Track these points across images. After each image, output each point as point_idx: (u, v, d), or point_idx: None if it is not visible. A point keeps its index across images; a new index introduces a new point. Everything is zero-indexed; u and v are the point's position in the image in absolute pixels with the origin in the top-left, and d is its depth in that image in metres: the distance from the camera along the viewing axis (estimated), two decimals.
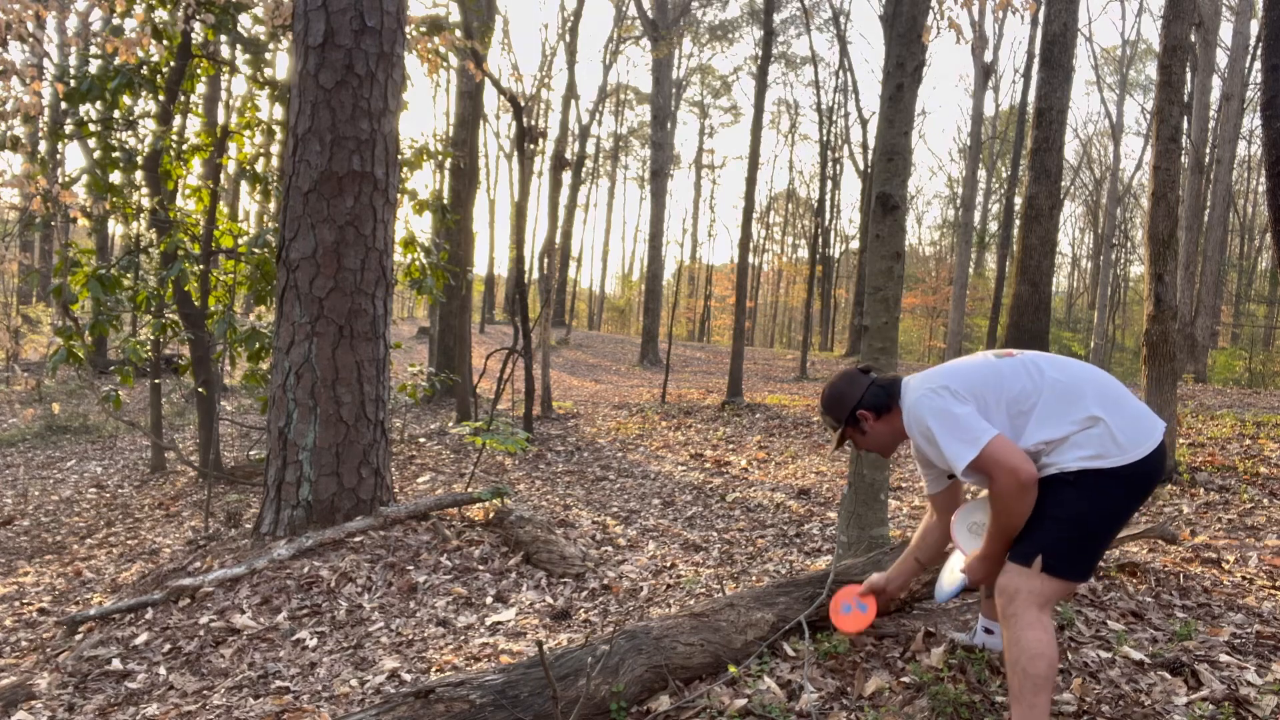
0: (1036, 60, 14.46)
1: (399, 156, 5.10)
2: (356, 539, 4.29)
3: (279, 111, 9.51)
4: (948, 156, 73.67)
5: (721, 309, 42.82)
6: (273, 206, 10.86)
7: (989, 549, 2.18)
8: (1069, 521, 2.02)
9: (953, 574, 2.52)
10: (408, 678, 3.00)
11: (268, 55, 7.43)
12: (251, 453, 8.28)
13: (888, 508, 3.72)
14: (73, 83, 6.25)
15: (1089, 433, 2.03)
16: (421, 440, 8.84)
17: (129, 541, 5.87)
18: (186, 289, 6.92)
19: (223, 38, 7.07)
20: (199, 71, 7.09)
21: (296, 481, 4.45)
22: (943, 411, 2.10)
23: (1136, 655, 2.61)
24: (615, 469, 7.30)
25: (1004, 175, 28.64)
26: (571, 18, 21.90)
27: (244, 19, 6.96)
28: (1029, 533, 2.07)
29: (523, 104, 13.14)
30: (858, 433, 2.39)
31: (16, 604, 4.65)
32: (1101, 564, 3.53)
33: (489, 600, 3.87)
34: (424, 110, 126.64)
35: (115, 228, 13.11)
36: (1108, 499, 2.03)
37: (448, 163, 11.36)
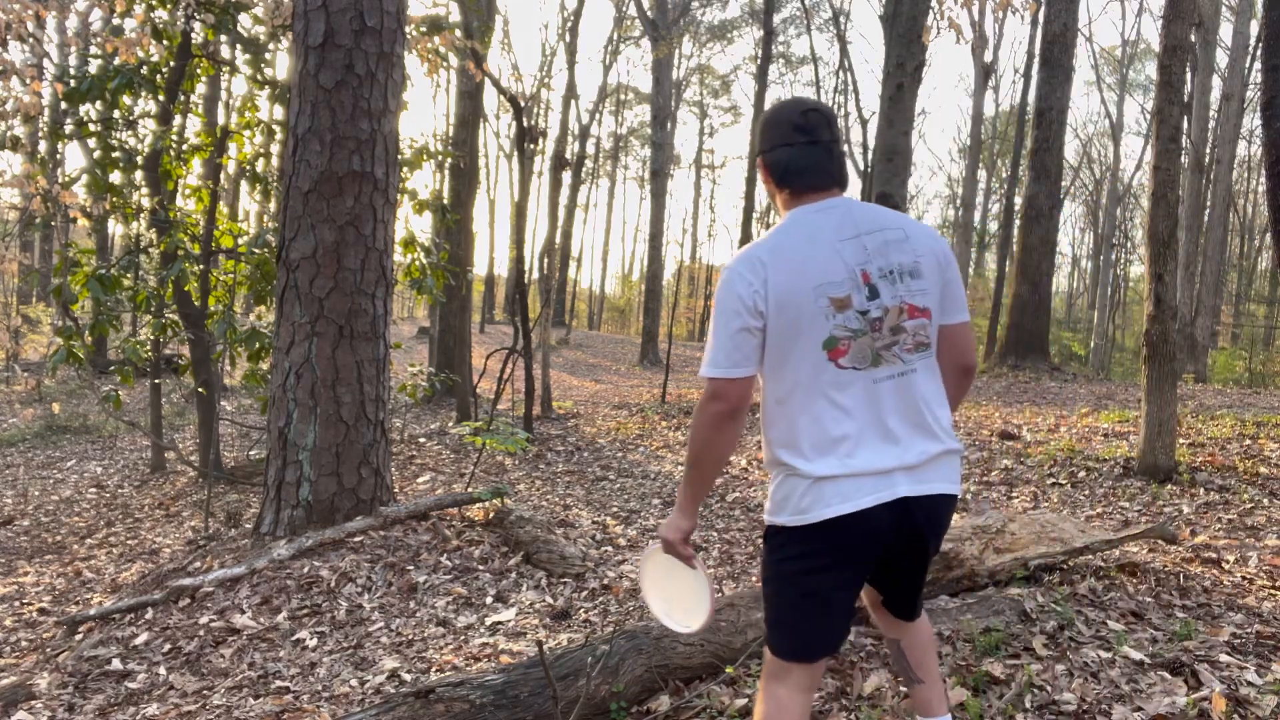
0: (1036, 60, 14.46)
1: (399, 156, 5.10)
2: (356, 539, 4.29)
3: (279, 111, 9.50)
4: (948, 156, 73.74)
5: None
6: (273, 206, 10.86)
7: None
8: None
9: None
10: (408, 678, 3.00)
11: (268, 55, 7.44)
12: (251, 453, 8.27)
13: None
14: (73, 83, 6.25)
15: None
16: (421, 440, 8.84)
17: (129, 541, 5.88)
18: (186, 289, 6.92)
19: (223, 38, 7.07)
20: (199, 71, 7.09)
21: (296, 481, 4.45)
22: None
23: (1136, 655, 2.61)
24: (615, 469, 7.29)
25: (1004, 175, 28.64)
26: (571, 18, 21.91)
27: (244, 19, 6.96)
28: None
29: (523, 104, 13.13)
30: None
31: (16, 604, 4.65)
32: (1101, 564, 3.53)
33: (489, 600, 3.87)
34: (424, 110, 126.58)
35: (115, 228, 13.11)
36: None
37: (448, 163, 11.35)
